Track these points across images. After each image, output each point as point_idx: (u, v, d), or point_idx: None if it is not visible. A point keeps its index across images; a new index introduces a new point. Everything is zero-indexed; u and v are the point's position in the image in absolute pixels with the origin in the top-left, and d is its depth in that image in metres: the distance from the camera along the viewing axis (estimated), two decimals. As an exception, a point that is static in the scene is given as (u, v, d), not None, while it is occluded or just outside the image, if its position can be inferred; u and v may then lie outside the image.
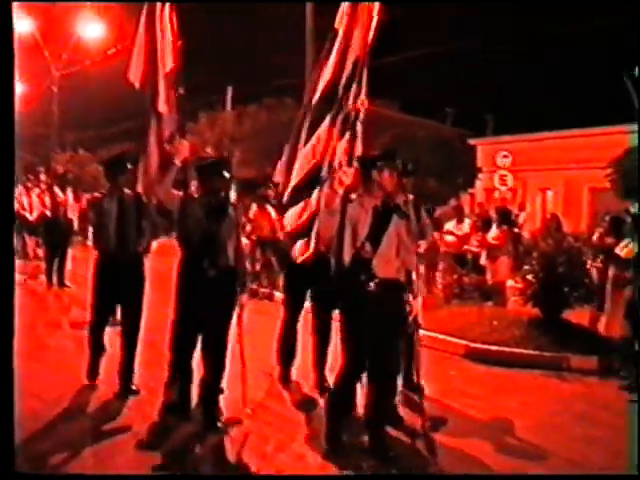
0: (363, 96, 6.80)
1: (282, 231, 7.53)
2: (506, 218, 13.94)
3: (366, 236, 6.02)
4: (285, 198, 7.18)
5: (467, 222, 14.89)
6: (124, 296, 7.80)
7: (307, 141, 6.99)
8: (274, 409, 7.41)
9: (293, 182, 7.08)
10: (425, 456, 6.24)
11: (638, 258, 8.28)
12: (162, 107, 7.17)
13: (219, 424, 6.72)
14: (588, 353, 9.43)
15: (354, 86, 6.73)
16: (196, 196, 6.94)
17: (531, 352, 9.48)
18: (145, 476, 5.66)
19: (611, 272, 8.94)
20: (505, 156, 23.37)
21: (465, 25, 34.31)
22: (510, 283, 12.26)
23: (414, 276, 6.34)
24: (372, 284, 6.02)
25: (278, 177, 7.33)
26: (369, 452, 6.20)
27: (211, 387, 6.83)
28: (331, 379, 7.16)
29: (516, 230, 13.95)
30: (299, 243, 7.24)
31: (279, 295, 11.78)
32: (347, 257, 6.03)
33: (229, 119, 32.63)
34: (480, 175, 26.05)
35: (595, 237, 10.48)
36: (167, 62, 7.18)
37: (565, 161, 27.01)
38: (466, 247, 14.16)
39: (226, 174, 6.88)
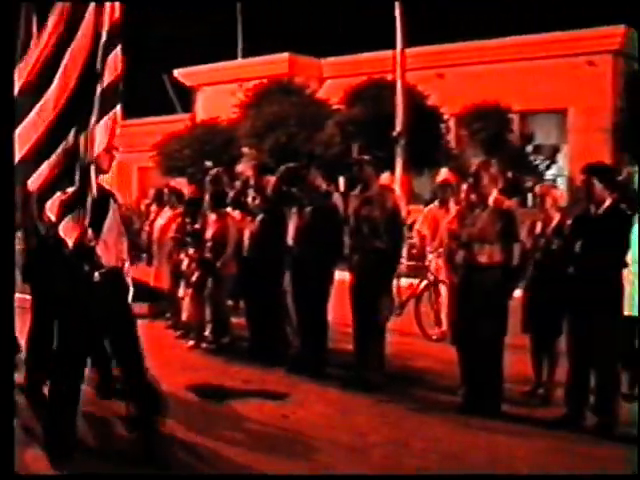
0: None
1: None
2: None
3: (88, 222, 5.46)
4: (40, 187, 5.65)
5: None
6: None
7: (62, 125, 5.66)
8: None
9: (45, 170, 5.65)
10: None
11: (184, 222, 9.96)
12: None
13: None
14: (141, 301, 11.44)
15: (111, 57, 5.53)
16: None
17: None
18: (145, 476, 5.41)
19: (157, 234, 10.68)
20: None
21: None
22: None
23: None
24: (97, 274, 5.53)
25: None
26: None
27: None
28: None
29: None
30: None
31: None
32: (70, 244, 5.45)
33: None
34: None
35: (142, 206, 12.48)
36: None
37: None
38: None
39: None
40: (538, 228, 7.30)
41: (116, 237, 5.81)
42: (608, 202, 6.40)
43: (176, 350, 9.33)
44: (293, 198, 8.49)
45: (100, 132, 5.53)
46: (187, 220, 9.80)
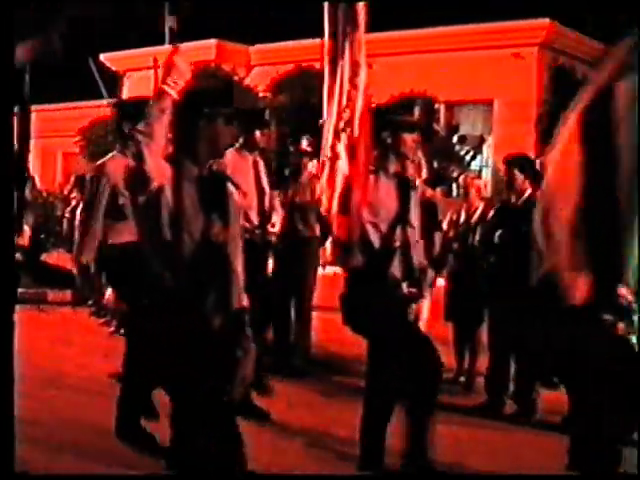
0: None
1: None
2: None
3: None
4: None
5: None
6: None
7: None
8: None
9: None
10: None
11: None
12: None
13: None
14: (63, 288, 11.40)
15: None
16: None
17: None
18: (145, 476, 5.27)
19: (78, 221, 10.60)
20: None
21: None
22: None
23: None
24: None
25: None
26: None
27: None
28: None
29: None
30: None
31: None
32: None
33: None
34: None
35: (65, 192, 12.35)
36: None
37: (43, 131, 28.93)
38: None
39: None
40: (461, 218, 7.41)
41: None
42: (528, 192, 6.52)
43: (100, 337, 9.21)
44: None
45: None
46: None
